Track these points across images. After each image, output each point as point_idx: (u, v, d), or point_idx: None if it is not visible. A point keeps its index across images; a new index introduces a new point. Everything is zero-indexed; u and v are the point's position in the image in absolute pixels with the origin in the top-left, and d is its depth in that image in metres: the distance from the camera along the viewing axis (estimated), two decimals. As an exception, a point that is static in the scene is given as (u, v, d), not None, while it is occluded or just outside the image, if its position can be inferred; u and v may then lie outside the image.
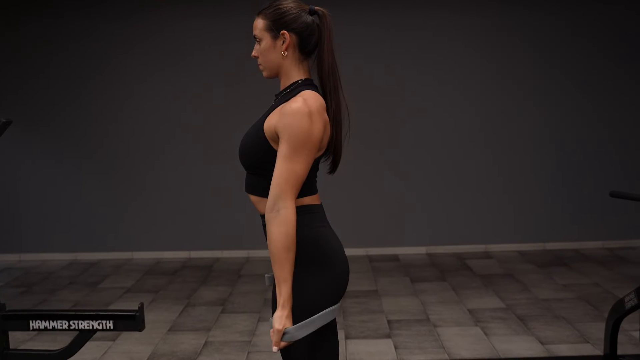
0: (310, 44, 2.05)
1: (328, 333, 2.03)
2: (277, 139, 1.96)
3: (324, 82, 2.05)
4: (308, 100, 1.94)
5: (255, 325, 4.49)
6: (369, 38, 6.34)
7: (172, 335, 4.34)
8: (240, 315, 4.73)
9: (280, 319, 1.88)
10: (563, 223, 6.48)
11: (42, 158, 6.49)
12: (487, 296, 5.04)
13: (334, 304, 2.00)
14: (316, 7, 2.06)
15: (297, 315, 1.95)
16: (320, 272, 1.98)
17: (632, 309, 3.14)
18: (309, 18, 2.04)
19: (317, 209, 2.05)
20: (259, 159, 2.02)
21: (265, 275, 2.25)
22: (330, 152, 2.10)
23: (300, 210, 2.00)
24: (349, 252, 6.31)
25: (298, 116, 1.91)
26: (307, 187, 2.03)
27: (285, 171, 1.91)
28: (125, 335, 4.32)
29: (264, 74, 2.10)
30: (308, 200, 2.03)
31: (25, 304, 5.11)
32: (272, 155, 1.99)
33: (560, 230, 6.49)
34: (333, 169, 2.15)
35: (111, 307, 4.95)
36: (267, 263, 6.22)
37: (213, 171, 6.43)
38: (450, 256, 6.30)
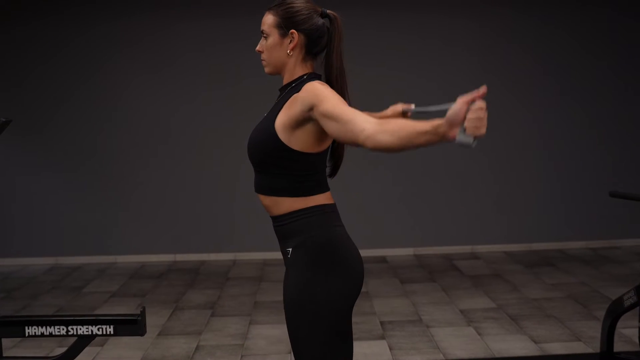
0: (317, 46, 2.03)
1: (341, 338, 1.99)
2: (290, 132, 1.92)
3: (332, 85, 2.02)
4: (316, 84, 1.93)
5: (247, 329, 4.43)
6: (359, 39, 6.32)
7: (163, 340, 4.27)
8: (231, 318, 4.66)
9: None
10: (548, 224, 6.52)
11: (22, 160, 6.36)
12: (478, 296, 5.05)
13: (351, 306, 1.97)
14: (328, 10, 2.03)
15: (313, 318, 1.91)
16: (337, 274, 1.95)
17: (631, 307, 3.16)
18: (320, 21, 2.02)
19: (332, 208, 2.02)
20: (268, 156, 1.97)
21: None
22: (332, 155, 2.07)
23: (315, 210, 1.97)
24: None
25: (322, 91, 1.88)
26: (318, 184, 2.00)
27: (344, 127, 1.78)
28: (115, 340, 4.24)
29: (266, 69, 2.07)
30: (321, 199, 2.00)
31: (5, 309, 4.98)
32: (282, 152, 1.95)
33: (545, 231, 6.53)
34: (333, 172, 2.13)
35: (97, 312, 4.85)
36: (255, 266, 6.17)
37: (198, 173, 6.35)
38: (437, 257, 6.31)
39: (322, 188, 2.02)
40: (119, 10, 6.25)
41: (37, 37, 6.25)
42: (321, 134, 1.94)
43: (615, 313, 3.30)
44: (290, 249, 2.00)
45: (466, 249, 6.50)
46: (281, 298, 5.20)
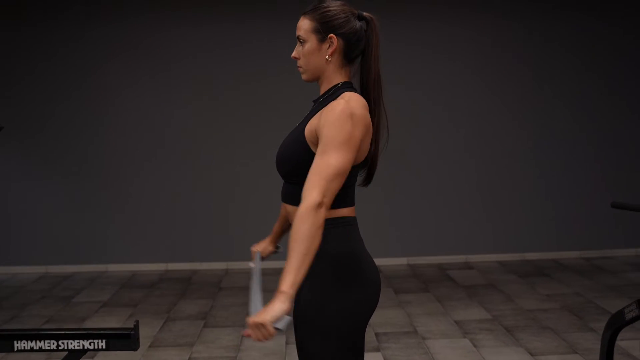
0: (355, 51, 1.97)
1: (353, 354, 1.95)
2: (317, 142, 1.88)
3: (369, 91, 1.97)
4: (350, 102, 1.87)
5: (240, 340, 4.37)
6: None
7: (154, 352, 4.20)
8: (223, 329, 4.60)
9: (281, 310, 1.69)
10: (541, 233, 6.51)
11: (12, 167, 6.28)
12: (472, 307, 5.01)
13: (366, 322, 1.93)
14: (365, 13, 1.98)
15: (327, 333, 1.87)
16: (354, 289, 1.91)
17: (632, 320, 3.12)
18: (358, 24, 1.96)
19: (353, 222, 1.99)
20: (298, 166, 1.92)
21: (254, 269, 2.19)
22: (367, 163, 2.02)
23: (338, 222, 1.93)
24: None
25: (340, 118, 1.84)
26: (345, 197, 1.96)
27: (317, 165, 1.80)
28: (104, 351, 4.16)
29: (304, 77, 2.01)
30: (346, 212, 1.96)
31: (-6, 320, 4.91)
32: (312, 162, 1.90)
33: (538, 241, 6.51)
34: (368, 181, 2.08)
35: (88, 323, 4.78)
36: (247, 275, 6.11)
37: (190, 182, 6.29)
38: (431, 267, 6.27)
39: (348, 202, 1.97)
40: (112, 15, 6.19)
41: (29, 42, 6.18)
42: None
43: (615, 326, 3.27)
44: None
45: (460, 258, 6.46)
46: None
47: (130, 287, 5.74)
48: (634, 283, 5.59)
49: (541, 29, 6.40)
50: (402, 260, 6.43)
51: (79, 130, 6.25)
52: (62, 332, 2.56)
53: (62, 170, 6.26)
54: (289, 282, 1.70)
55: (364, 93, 1.98)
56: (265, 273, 6.10)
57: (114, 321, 4.78)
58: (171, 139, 6.27)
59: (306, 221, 1.73)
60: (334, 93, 1.95)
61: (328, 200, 1.78)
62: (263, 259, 2.43)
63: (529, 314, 4.83)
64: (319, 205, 1.75)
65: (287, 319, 1.69)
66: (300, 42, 1.98)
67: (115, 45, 6.19)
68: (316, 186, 1.77)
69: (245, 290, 5.60)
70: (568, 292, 5.38)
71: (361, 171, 2.03)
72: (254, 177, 6.29)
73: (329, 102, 1.92)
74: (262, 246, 2.41)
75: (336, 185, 1.80)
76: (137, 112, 6.25)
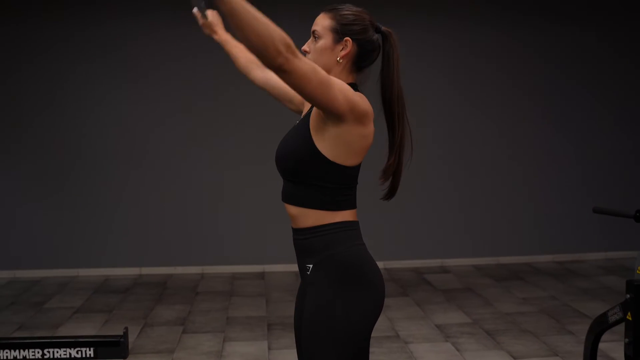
0: (366, 61, 1.97)
1: None
2: (322, 136, 1.86)
3: (392, 106, 1.97)
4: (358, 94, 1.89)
5: (222, 346, 4.30)
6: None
7: (134, 359, 4.10)
8: (203, 335, 4.53)
9: None
10: (515, 237, 6.57)
11: (-21, 170, 6.10)
12: (452, 311, 5.02)
13: (371, 328, 1.91)
14: (383, 27, 1.97)
15: (333, 339, 1.83)
16: (359, 295, 1.89)
17: (616, 323, 3.16)
18: (375, 35, 1.96)
19: (356, 226, 1.97)
20: (303, 164, 1.89)
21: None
22: (390, 177, 2.02)
23: (341, 226, 1.91)
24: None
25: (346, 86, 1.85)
26: (348, 199, 1.94)
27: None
28: (83, 360, 4.05)
29: None
30: (349, 215, 1.94)
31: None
32: (317, 160, 1.87)
33: (512, 245, 6.58)
34: (391, 195, 2.07)
35: (62, 329, 4.65)
36: (224, 280, 6.03)
37: (163, 184, 6.19)
38: (408, 271, 6.27)
39: (351, 204, 1.96)
40: (91, 19, 6.06)
41: (2, 43, 6.03)
42: (352, 143, 1.88)
43: (599, 328, 3.30)
44: (311, 266, 1.93)
45: (436, 262, 6.49)
46: (255, 314, 5.07)
47: (103, 292, 5.62)
48: (606, 286, 5.68)
49: (520, 35, 6.47)
50: (379, 264, 6.39)
51: (51, 132, 6.10)
52: (48, 340, 2.48)
53: (31, 172, 6.10)
54: None
55: (386, 108, 1.98)
56: (237, 277, 6.05)
57: (89, 327, 4.67)
58: (144, 142, 6.16)
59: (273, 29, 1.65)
60: None
61: (291, 57, 1.67)
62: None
63: (507, 317, 4.87)
64: (286, 50, 1.66)
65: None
66: (315, 37, 1.96)
67: (95, 46, 6.06)
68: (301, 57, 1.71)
69: (223, 295, 5.53)
70: (544, 295, 5.44)
71: (385, 183, 2.00)
72: (227, 181, 6.23)
73: None
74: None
75: (309, 67, 1.72)
76: (110, 114, 6.13)
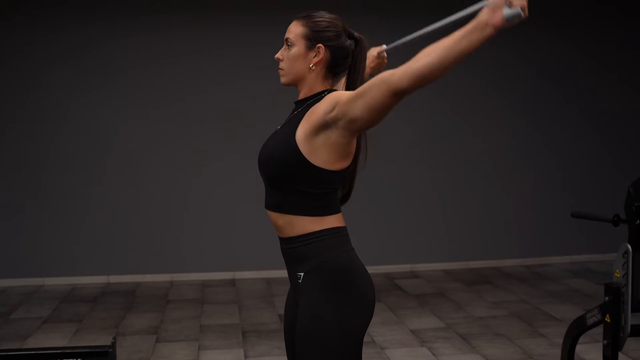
0: (340, 66, 1.98)
1: None
2: (311, 145, 1.84)
3: None
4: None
5: (197, 355, 4.25)
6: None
7: (107, 369, 4.02)
8: (177, 344, 4.46)
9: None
10: (484, 242, 6.66)
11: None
12: (425, 316, 5.06)
13: (364, 334, 1.91)
14: (355, 33, 1.99)
15: (328, 347, 1.82)
16: (352, 301, 1.88)
17: (594, 325, 3.22)
18: (347, 41, 1.97)
19: (344, 232, 1.96)
20: (286, 170, 1.88)
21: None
22: (346, 183, 2.00)
23: (329, 233, 1.90)
24: (274, 274, 6.17)
25: (341, 91, 1.86)
26: (332, 204, 1.93)
27: (364, 86, 1.74)
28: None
29: (283, 79, 1.98)
30: (334, 221, 1.93)
31: None
32: (302, 167, 1.86)
33: (481, 249, 6.67)
34: (345, 199, 2.06)
35: (30, 341, 4.53)
36: (194, 287, 5.95)
37: (131, 190, 6.09)
38: (379, 276, 6.30)
39: (336, 209, 1.95)
40: (58, 24, 5.93)
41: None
42: (341, 148, 1.86)
43: (577, 331, 3.36)
44: (302, 274, 1.91)
45: (406, 267, 6.53)
46: (228, 322, 5.01)
47: (71, 302, 5.49)
48: (573, 289, 5.80)
49: (498, 41, 6.55)
50: (350, 270, 6.42)
51: (16, 140, 5.94)
52: (33, 351, 2.41)
53: (-5, 179, 5.94)
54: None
55: None
56: (208, 285, 5.98)
57: (58, 338, 4.55)
58: (112, 147, 6.06)
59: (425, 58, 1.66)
60: (320, 98, 1.93)
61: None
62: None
63: (480, 321, 4.92)
64: (405, 67, 1.68)
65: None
66: (288, 45, 1.97)
67: (63, 52, 5.93)
68: (382, 75, 1.70)
69: (195, 303, 5.46)
70: (514, 299, 5.52)
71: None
72: (197, 187, 6.16)
73: (318, 101, 1.90)
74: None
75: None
76: (74, 121, 6.01)
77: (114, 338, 2.41)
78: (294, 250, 1.93)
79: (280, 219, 1.93)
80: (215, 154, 6.18)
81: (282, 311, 5.03)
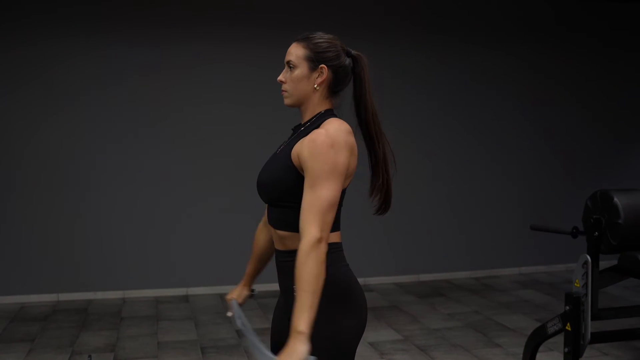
0: (341, 85, 2.03)
1: None
2: (302, 167, 1.90)
3: (368, 127, 2.04)
4: (330, 130, 1.90)
5: (158, 372, 4.19)
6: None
7: (65, 389, 3.92)
8: (136, 361, 4.39)
9: (304, 351, 1.69)
10: (434, 255, 6.80)
11: None
12: (382, 328, 5.12)
13: (357, 345, 1.94)
14: (353, 51, 2.04)
15: (335, 358, 1.85)
16: (348, 314, 1.93)
17: (555, 334, 3.35)
18: (347, 60, 2.02)
19: (341, 247, 2.02)
20: (287, 192, 1.93)
21: (234, 317, 2.15)
22: (382, 193, 2.09)
23: (330, 248, 1.92)
24: (227, 290, 6.11)
25: (322, 149, 1.87)
26: (334, 222, 1.96)
27: (309, 200, 1.82)
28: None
29: (287, 101, 2.02)
30: (334, 237, 1.98)
31: None
32: (302, 187, 1.89)
33: (432, 262, 6.80)
34: (385, 210, 2.14)
35: (-20, 361, 4.37)
36: (147, 304, 5.86)
37: (82, 206, 5.96)
38: (334, 290, 6.33)
39: (335, 226, 1.98)
40: (20, 41, 5.79)
41: None
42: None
43: (537, 340, 3.48)
44: None
45: (359, 281, 6.58)
46: (186, 338, 4.96)
47: (21, 320, 5.32)
48: (523, 300, 5.97)
49: (452, 64, 6.74)
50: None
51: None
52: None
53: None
54: (305, 321, 1.71)
55: (363, 130, 2.05)
56: (161, 301, 5.87)
57: (12, 358, 4.41)
58: (62, 163, 5.92)
59: (309, 259, 1.76)
60: (316, 121, 1.99)
61: (326, 234, 1.81)
62: (240, 305, 2.38)
63: (436, 332, 5.02)
64: (319, 240, 1.79)
65: (312, 358, 1.69)
66: (290, 67, 2.01)
67: (29, 69, 5.78)
68: (312, 222, 1.80)
69: (150, 319, 5.37)
70: (467, 310, 5.65)
71: (376, 199, 2.06)
72: (151, 201, 6.08)
73: (311, 130, 1.95)
74: (237, 293, 2.38)
75: (331, 217, 1.84)
76: (33, 135, 5.86)
77: (89, 356, 2.37)
78: (292, 263, 1.95)
79: (284, 233, 1.98)
80: (168, 171, 6.11)
81: (237, 327, 5.00)
